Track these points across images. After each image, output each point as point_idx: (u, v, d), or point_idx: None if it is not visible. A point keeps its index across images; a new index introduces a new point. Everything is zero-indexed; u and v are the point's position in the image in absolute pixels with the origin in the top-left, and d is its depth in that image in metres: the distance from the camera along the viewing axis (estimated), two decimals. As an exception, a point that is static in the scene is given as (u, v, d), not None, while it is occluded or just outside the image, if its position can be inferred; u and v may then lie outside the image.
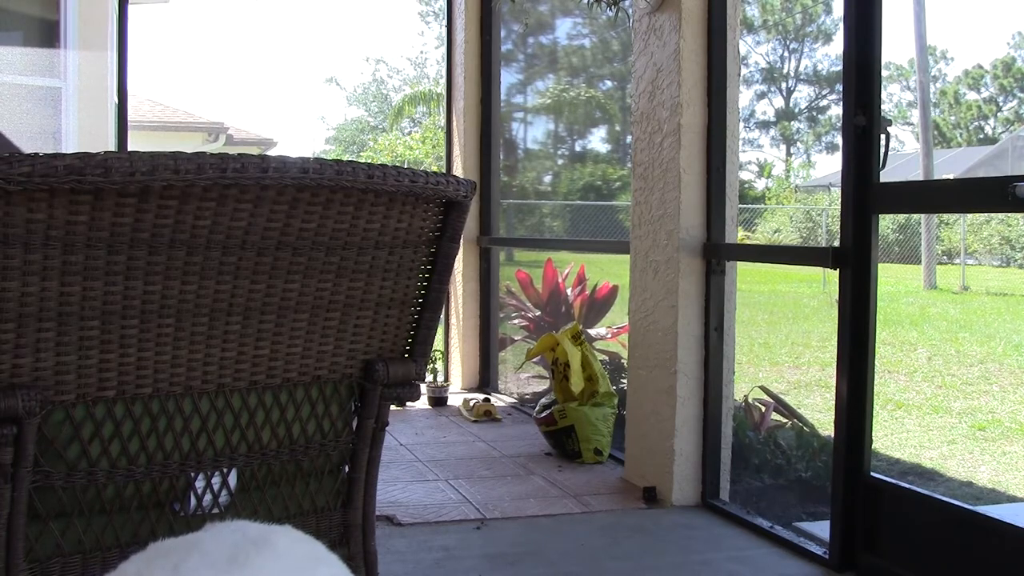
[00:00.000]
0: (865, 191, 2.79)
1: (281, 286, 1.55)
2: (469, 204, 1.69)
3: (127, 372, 1.45)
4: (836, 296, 2.93)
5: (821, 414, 5.64)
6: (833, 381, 2.93)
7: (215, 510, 1.58)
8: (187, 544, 0.82)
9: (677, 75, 3.48)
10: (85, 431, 1.43)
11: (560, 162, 10.04)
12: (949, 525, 2.60)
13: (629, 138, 4.03)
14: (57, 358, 1.38)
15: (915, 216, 17.24)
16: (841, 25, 2.93)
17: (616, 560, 2.97)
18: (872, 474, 2.82)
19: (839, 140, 2.95)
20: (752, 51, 38.27)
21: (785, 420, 4.51)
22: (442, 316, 5.36)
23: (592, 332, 5.70)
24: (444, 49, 6.22)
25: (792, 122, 39.01)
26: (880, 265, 2.90)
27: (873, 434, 2.87)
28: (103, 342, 1.41)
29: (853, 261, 2.82)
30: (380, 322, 1.69)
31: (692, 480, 3.54)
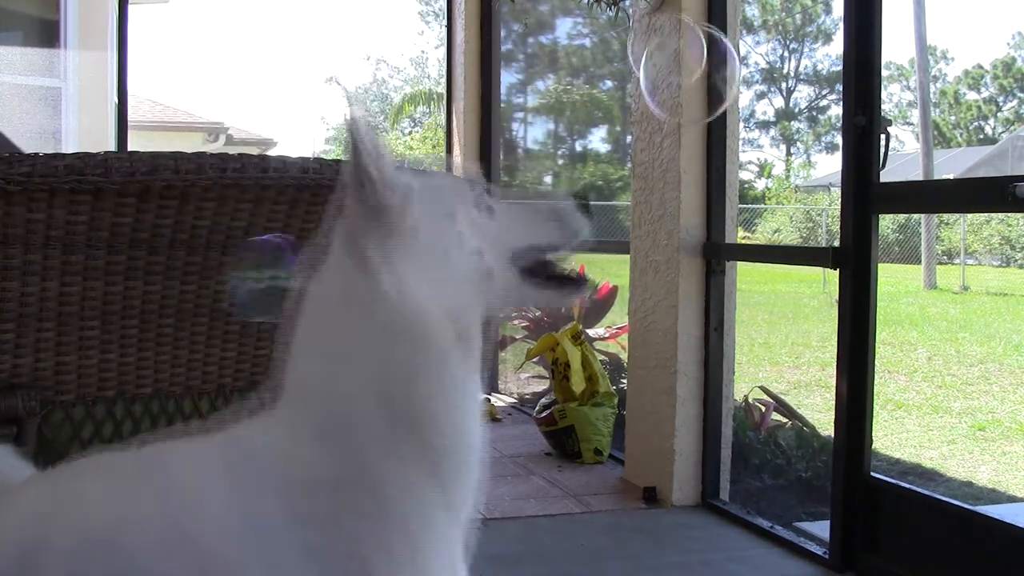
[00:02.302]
0: (865, 191, 2.79)
1: (281, 286, 1.54)
2: (469, 204, 1.68)
3: (127, 372, 1.45)
4: (836, 296, 2.93)
5: (821, 414, 5.63)
6: (833, 381, 2.93)
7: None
8: None
9: (677, 75, 3.48)
10: (85, 431, 1.44)
11: (560, 162, 10.04)
12: (949, 525, 2.60)
13: (629, 138, 4.03)
14: (57, 358, 1.38)
15: (915, 216, 17.24)
16: (841, 25, 2.93)
17: (616, 560, 2.97)
18: (872, 474, 2.82)
19: (839, 140, 2.95)
20: (752, 51, 38.23)
21: (785, 420, 4.50)
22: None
23: (592, 332, 5.69)
24: (444, 49, 6.22)
25: (792, 122, 38.97)
26: (880, 265, 2.90)
27: (873, 434, 2.87)
28: (103, 342, 1.41)
29: (853, 261, 2.81)
30: (380, 322, 1.68)
31: (692, 480, 3.54)
